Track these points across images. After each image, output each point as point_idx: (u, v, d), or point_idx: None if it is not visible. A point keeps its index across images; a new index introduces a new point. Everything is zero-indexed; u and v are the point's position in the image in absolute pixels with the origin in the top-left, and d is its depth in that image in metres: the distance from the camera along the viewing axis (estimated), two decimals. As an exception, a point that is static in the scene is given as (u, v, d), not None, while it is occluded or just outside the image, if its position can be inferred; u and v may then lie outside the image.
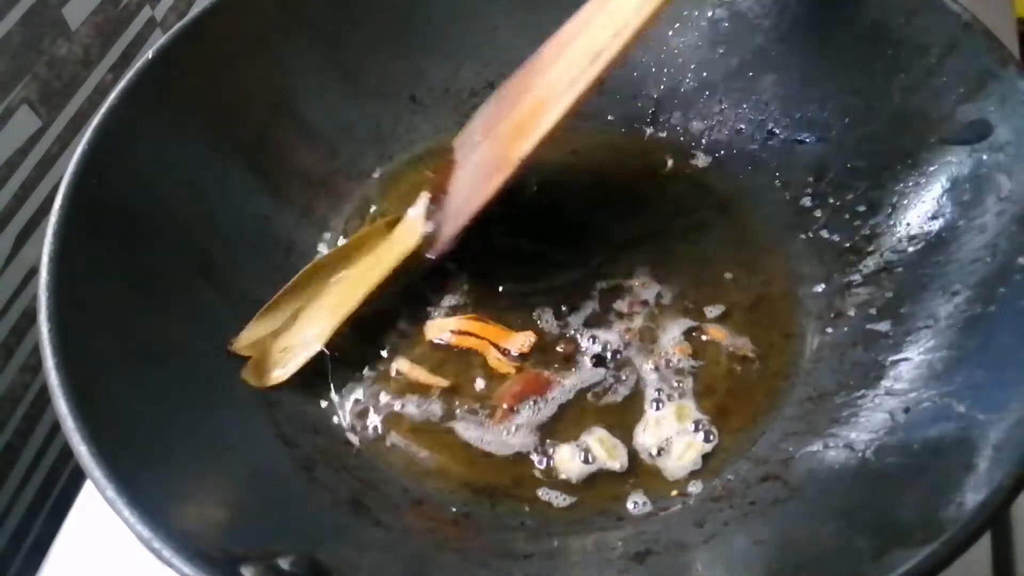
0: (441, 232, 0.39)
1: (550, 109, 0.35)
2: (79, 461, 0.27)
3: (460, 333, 0.38)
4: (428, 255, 0.39)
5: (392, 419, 0.36)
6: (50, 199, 0.33)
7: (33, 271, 0.48)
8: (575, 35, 0.36)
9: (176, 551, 0.25)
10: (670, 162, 0.43)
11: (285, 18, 0.41)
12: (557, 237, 0.41)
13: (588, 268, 0.40)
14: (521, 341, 0.37)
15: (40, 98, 0.47)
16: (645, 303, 0.38)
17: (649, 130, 0.45)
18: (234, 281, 0.38)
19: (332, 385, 0.37)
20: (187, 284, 0.36)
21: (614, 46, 0.34)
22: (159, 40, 0.37)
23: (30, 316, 0.48)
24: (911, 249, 0.35)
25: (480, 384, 0.37)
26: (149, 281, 0.34)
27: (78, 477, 0.44)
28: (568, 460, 0.34)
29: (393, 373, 0.37)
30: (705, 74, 0.43)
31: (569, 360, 0.37)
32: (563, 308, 0.38)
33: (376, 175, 0.44)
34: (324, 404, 0.37)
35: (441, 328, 0.38)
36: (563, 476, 0.34)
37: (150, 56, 0.36)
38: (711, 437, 0.34)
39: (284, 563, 0.27)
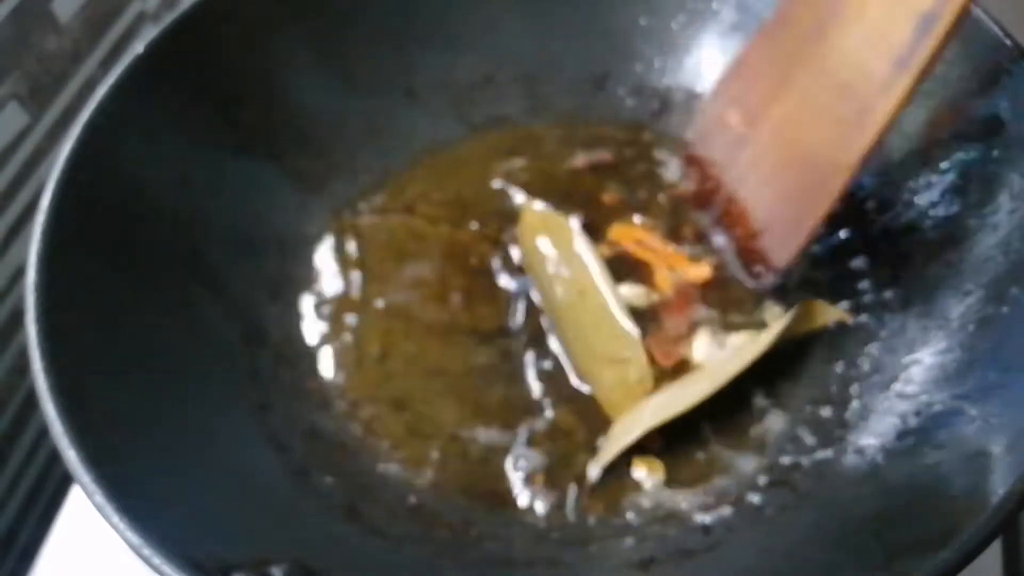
0: (771, 258, 0.34)
1: (873, 97, 0.29)
2: (67, 466, 0.26)
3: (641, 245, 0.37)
4: (761, 286, 0.34)
5: (392, 421, 0.36)
6: (38, 196, 0.32)
7: (20, 271, 0.47)
8: None
9: (166, 558, 0.24)
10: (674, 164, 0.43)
11: (278, 12, 0.40)
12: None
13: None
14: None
15: (29, 93, 0.47)
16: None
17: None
18: (226, 282, 0.37)
19: (329, 387, 0.37)
20: (178, 284, 0.35)
21: (948, 6, 0.27)
22: (150, 34, 0.37)
23: (17, 317, 0.47)
24: (922, 248, 0.35)
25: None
26: (139, 281, 0.34)
27: (68, 481, 0.43)
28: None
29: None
30: (711, 67, 0.43)
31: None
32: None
33: (372, 171, 0.43)
34: (318, 409, 0.36)
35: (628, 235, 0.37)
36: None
37: (140, 50, 0.36)
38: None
39: (277, 571, 0.26)
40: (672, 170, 0.41)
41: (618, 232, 0.36)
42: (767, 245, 0.34)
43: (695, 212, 0.37)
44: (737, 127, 0.35)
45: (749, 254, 0.35)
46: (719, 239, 0.35)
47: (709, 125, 0.37)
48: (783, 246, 0.33)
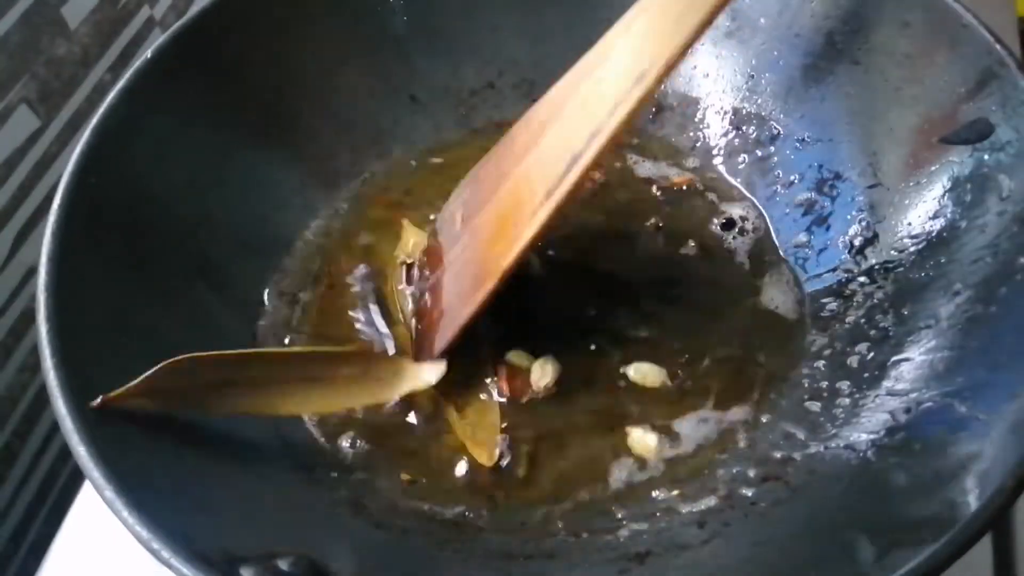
0: (427, 340, 0.36)
1: (527, 220, 0.32)
2: (78, 462, 0.26)
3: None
4: (414, 360, 0.36)
5: (391, 420, 0.36)
6: (49, 199, 0.33)
7: (32, 271, 0.48)
8: (549, 120, 0.34)
9: (175, 552, 0.25)
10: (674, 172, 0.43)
11: (283, 17, 0.41)
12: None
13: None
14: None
15: (39, 98, 0.47)
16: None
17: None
18: (232, 281, 0.38)
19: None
20: (186, 284, 0.36)
21: (589, 151, 0.31)
22: (158, 40, 0.37)
23: (29, 316, 0.48)
24: (912, 249, 0.35)
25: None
26: (148, 281, 0.34)
27: (77, 477, 0.44)
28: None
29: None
30: (706, 74, 0.43)
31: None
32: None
33: (376, 175, 0.44)
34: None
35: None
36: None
37: (149, 55, 0.36)
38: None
39: (283, 564, 0.26)
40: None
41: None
42: (433, 332, 0.36)
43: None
44: (457, 225, 0.38)
45: (420, 334, 0.37)
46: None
47: (444, 218, 0.40)
48: (441, 336, 0.35)
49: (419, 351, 0.37)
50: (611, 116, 0.30)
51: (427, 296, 0.38)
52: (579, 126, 0.31)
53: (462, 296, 0.35)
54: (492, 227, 0.35)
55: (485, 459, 0.34)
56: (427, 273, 0.39)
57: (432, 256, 0.39)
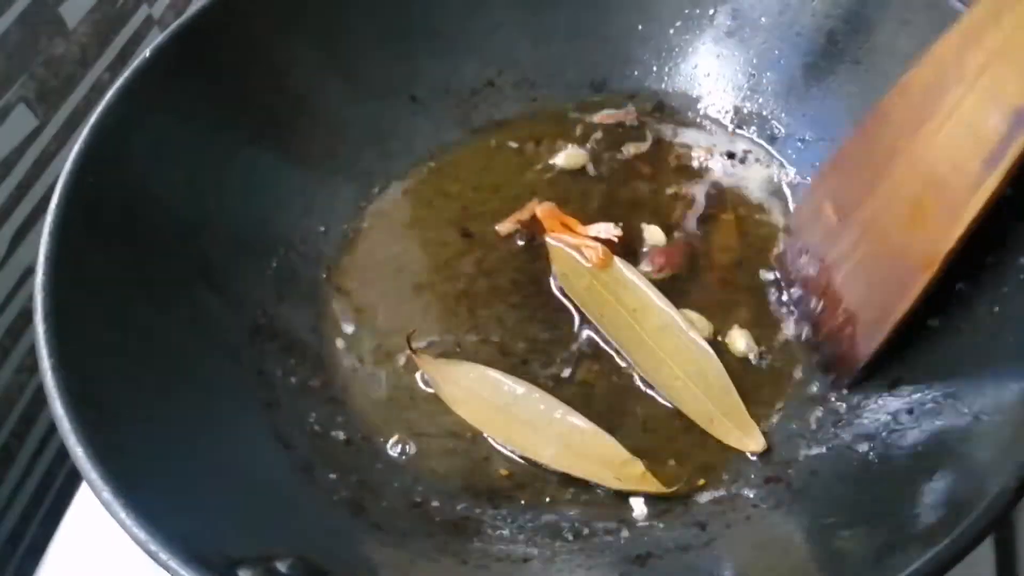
0: (844, 349, 0.33)
1: (962, 195, 0.29)
2: (75, 463, 0.26)
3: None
4: (842, 386, 0.33)
5: (391, 420, 0.36)
6: (47, 198, 0.33)
7: (29, 271, 0.48)
8: (942, 83, 0.30)
9: (173, 554, 0.25)
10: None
11: (283, 17, 0.41)
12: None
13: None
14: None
15: (37, 97, 0.47)
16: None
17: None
18: (231, 281, 0.37)
19: (334, 385, 0.37)
20: (184, 284, 0.36)
21: None
22: (156, 39, 0.37)
23: (26, 316, 0.48)
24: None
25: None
26: (146, 281, 0.34)
27: (74, 479, 0.43)
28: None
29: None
30: (707, 73, 0.43)
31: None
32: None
33: (376, 175, 0.44)
34: (324, 405, 0.36)
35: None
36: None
37: (147, 55, 0.36)
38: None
39: (282, 566, 0.26)
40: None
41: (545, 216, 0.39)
42: (849, 341, 0.33)
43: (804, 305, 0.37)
44: (831, 220, 0.35)
45: (831, 349, 0.35)
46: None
47: (806, 216, 0.37)
48: (864, 342, 0.33)
49: (839, 363, 0.34)
50: None
51: (818, 303, 0.35)
52: (1007, 76, 0.28)
53: (883, 295, 0.31)
54: (900, 212, 0.31)
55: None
56: (794, 276, 0.36)
57: (802, 261, 0.36)
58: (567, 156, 0.43)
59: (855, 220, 0.33)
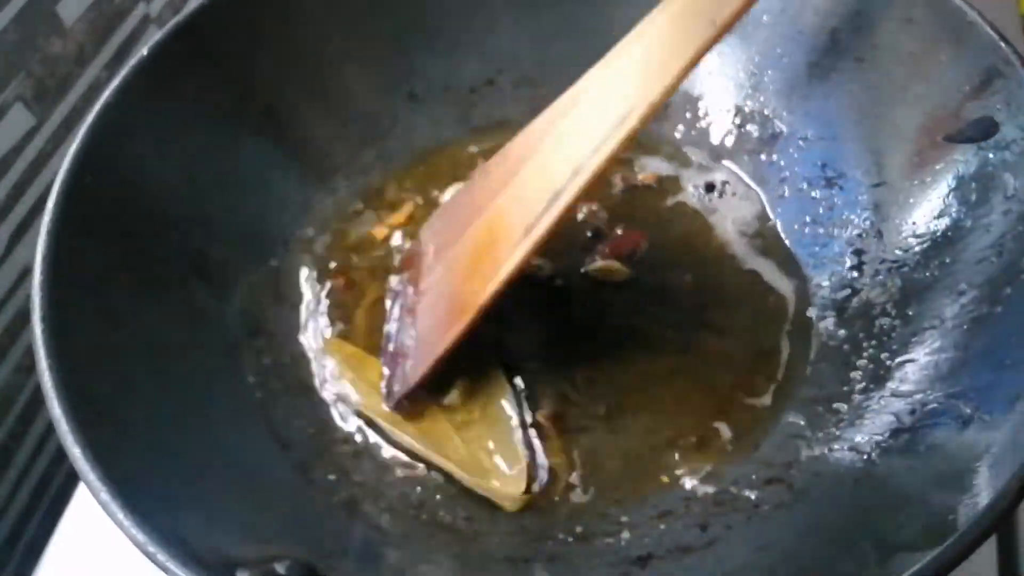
0: (400, 371, 0.36)
1: (504, 255, 0.32)
2: (73, 464, 0.26)
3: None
4: (386, 402, 0.35)
5: (391, 420, 0.36)
6: (44, 198, 0.33)
7: (27, 271, 0.47)
8: (526, 157, 0.34)
9: (171, 555, 0.24)
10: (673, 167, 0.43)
11: (279, 15, 0.40)
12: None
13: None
14: None
15: (34, 95, 0.47)
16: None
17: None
18: (231, 281, 0.37)
19: (330, 387, 0.37)
20: (182, 284, 0.35)
21: (571, 188, 0.31)
22: (154, 37, 0.37)
23: (24, 316, 0.48)
24: (917, 248, 0.35)
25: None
26: (144, 281, 0.34)
27: (72, 480, 0.43)
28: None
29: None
30: (709, 71, 0.43)
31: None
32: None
33: (374, 173, 0.43)
34: (321, 406, 0.36)
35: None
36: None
37: (144, 53, 0.36)
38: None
39: (280, 568, 0.26)
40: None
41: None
42: (409, 364, 0.35)
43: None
44: (431, 255, 0.38)
45: (394, 367, 0.36)
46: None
47: (416, 250, 0.39)
48: (415, 366, 0.35)
49: (392, 382, 0.36)
50: (594, 154, 0.30)
51: (403, 320, 0.37)
52: (560, 163, 0.31)
53: (436, 329, 0.35)
54: (467, 261, 0.35)
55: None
56: (395, 308, 0.38)
57: (412, 284, 0.38)
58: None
59: (443, 259, 0.37)
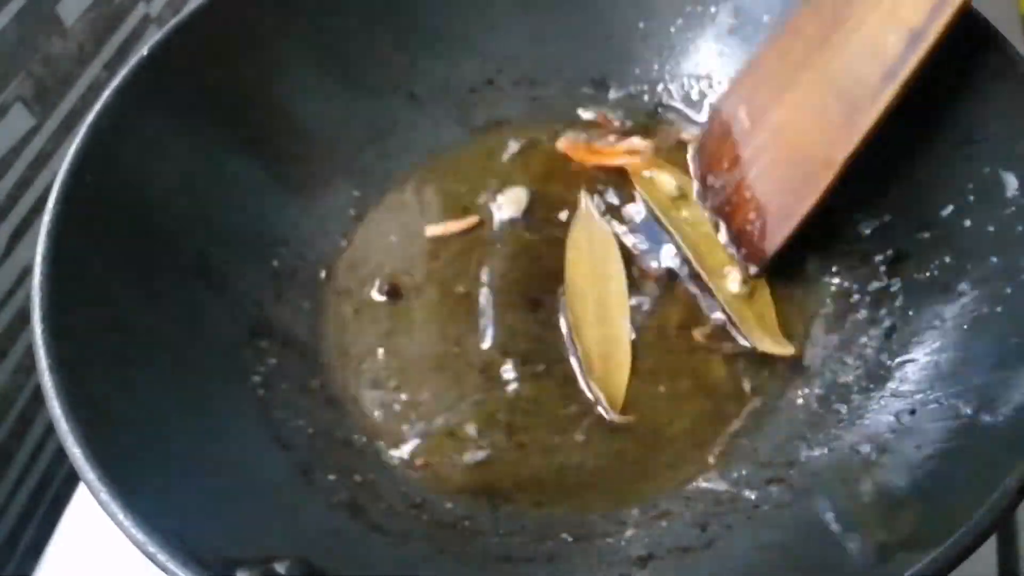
0: (752, 241, 0.36)
1: (861, 106, 0.32)
2: (73, 464, 0.26)
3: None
4: (753, 271, 0.36)
5: (394, 418, 0.36)
6: (44, 197, 0.33)
7: (27, 270, 0.48)
8: (861, 1, 0.32)
9: (171, 555, 0.25)
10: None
11: (281, 14, 0.40)
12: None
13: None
14: None
15: (34, 95, 0.47)
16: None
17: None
18: (230, 281, 0.37)
19: (333, 386, 0.37)
20: (183, 284, 0.35)
21: (934, 26, 0.30)
22: (154, 37, 0.37)
23: (24, 316, 0.48)
24: (916, 248, 0.35)
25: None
26: (144, 281, 0.34)
27: (73, 479, 0.43)
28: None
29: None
30: (708, 71, 0.43)
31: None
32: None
33: (375, 172, 0.43)
34: (322, 407, 0.36)
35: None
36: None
37: (145, 53, 0.36)
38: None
39: (280, 567, 0.26)
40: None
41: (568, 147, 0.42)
42: (759, 233, 0.36)
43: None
44: (744, 123, 0.37)
45: (743, 238, 0.37)
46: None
47: (721, 120, 0.39)
48: (773, 234, 0.35)
49: (748, 254, 0.37)
50: None
51: (730, 197, 0.37)
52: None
53: (790, 193, 0.34)
54: (806, 120, 0.34)
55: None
56: (715, 176, 0.38)
57: (716, 159, 0.38)
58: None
59: (766, 125, 0.36)
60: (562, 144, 0.43)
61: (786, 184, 0.35)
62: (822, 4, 0.35)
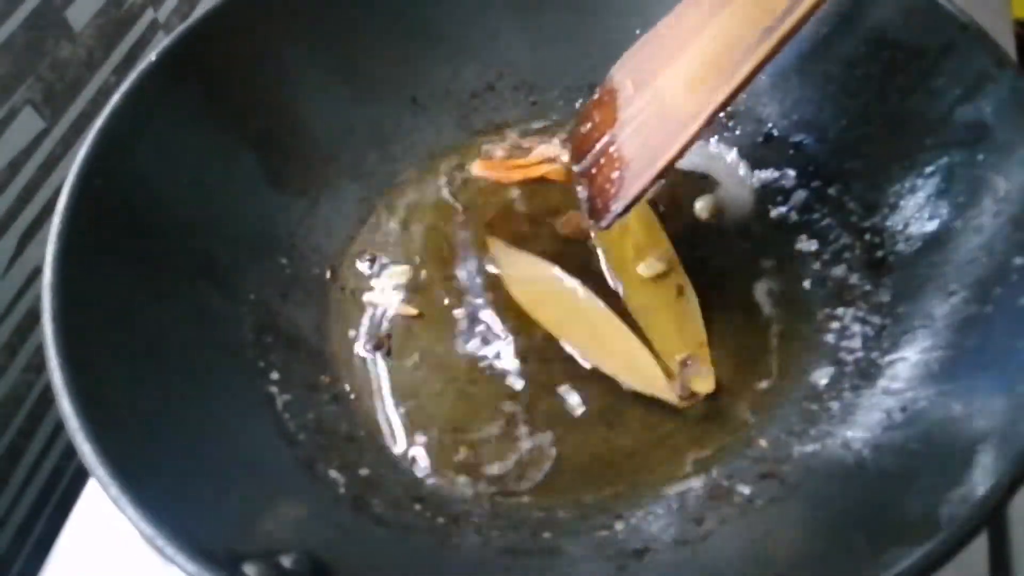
0: (616, 196, 0.36)
1: (738, 59, 0.32)
2: (82, 460, 0.27)
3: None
4: (598, 225, 0.37)
5: (399, 414, 0.36)
6: (54, 200, 0.33)
7: (37, 271, 0.48)
8: None
9: (179, 548, 0.25)
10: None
11: (287, 21, 0.41)
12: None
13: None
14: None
15: (43, 100, 0.48)
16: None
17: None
18: (236, 282, 0.38)
19: (338, 383, 0.37)
20: (190, 283, 0.36)
21: None
22: (162, 42, 0.37)
23: (34, 316, 0.48)
24: (908, 250, 0.35)
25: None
26: (152, 281, 0.34)
27: (81, 476, 0.44)
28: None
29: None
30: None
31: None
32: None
33: (379, 174, 0.44)
34: (327, 404, 0.37)
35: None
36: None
37: (153, 58, 0.37)
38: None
39: (286, 561, 0.27)
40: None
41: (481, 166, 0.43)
42: (616, 188, 0.36)
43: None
44: (629, 90, 0.38)
45: (600, 196, 0.37)
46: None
47: (609, 88, 0.39)
48: (629, 186, 0.36)
49: (594, 211, 0.37)
50: None
51: (598, 158, 0.37)
52: None
53: (653, 145, 0.35)
54: (683, 80, 0.35)
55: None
56: (590, 144, 0.39)
57: (596, 124, 0.39)
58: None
59: (648, 88, 0.37)
60: (476, 168, 0.44)
61: (653, 137, 0.35)
62: None
